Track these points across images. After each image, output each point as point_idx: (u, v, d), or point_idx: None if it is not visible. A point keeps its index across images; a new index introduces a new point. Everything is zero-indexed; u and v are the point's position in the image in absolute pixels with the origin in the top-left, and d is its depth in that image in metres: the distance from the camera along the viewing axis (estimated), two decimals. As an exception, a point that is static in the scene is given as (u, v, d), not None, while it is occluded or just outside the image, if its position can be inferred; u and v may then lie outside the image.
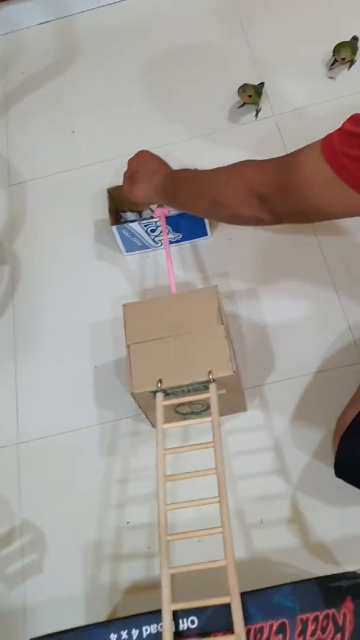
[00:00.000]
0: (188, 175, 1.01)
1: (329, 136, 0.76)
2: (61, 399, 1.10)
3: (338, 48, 1.33)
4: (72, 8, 1.62)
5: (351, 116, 0.75)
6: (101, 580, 0.94)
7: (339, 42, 1.33)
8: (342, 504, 0.93)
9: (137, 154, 1.13)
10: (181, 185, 1.00)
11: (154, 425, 1.02)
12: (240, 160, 0.94)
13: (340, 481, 0.86)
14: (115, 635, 0.71)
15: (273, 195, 0.84)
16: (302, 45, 1.42)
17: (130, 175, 1.09)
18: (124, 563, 0.94)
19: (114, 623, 0.72)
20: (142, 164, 1.09)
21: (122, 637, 0.71)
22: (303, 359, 1.05)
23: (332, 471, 0.93)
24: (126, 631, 0.71)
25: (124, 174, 1.12)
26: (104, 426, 1.06)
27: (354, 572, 0.69)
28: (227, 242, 1.19)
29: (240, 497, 0.95)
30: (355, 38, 1.35)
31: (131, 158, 1.12)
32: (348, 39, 1.34)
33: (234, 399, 0.97)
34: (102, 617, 0.89)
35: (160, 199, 1.07)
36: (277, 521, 0.93)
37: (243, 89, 1.30)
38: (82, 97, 1.48)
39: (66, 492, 1.01)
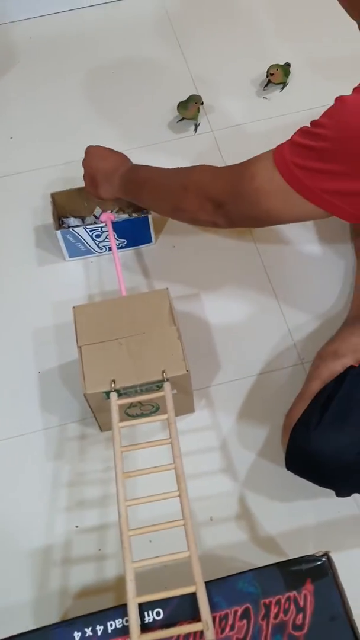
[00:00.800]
0: (146, 178, 1.03)
1: (280, 147, 0.81)
2: (3, 405, 1.07)
3: (270, 68, 1.39)
4: (9, 16, 1.61)
5: (299, 129, 0.80)
6: (50, 586, 0.92)
7: (272, 63, 1.40)
8: (286, 498, 0.96)
9: (87, 153, 1.13)
10: (141, 189, 1.03)
11: (102, 428, 1.02)
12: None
13: (285, 476, 0.90)
14: (79, 634, 0.70)
15: (227, 201, 0.88)
16: (237, 65, 1.49)
17: (90, 179, 1.10)
18: (74, 567, 0.93)
19: (77, 621, 0.71)
20: (96, 165, 1.10)
21: (87, 635, 0.70)
22: (247, 362, 1.08)
23: (277, 468, 0.97)
24: (90, 628, 0.70)
25: (83, 177, 1.12)
26: (48, 431, 1.04)
27: (312, 555, 0.72)
28: (171, 249, 1.22)
29: (190, 496, 0.96)
30: (287, 64, 1.43)
31: (84, 160, 1.13)
32: (282, 63, 1.42)
33: (184, 400, 0.99)
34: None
35: (126, 198, 1.10)
36: (227, 518, 0.95)
37: (187, 102, 1.34)
38: (19, 104, 1.48)
39: (11, 498, 0.99)
